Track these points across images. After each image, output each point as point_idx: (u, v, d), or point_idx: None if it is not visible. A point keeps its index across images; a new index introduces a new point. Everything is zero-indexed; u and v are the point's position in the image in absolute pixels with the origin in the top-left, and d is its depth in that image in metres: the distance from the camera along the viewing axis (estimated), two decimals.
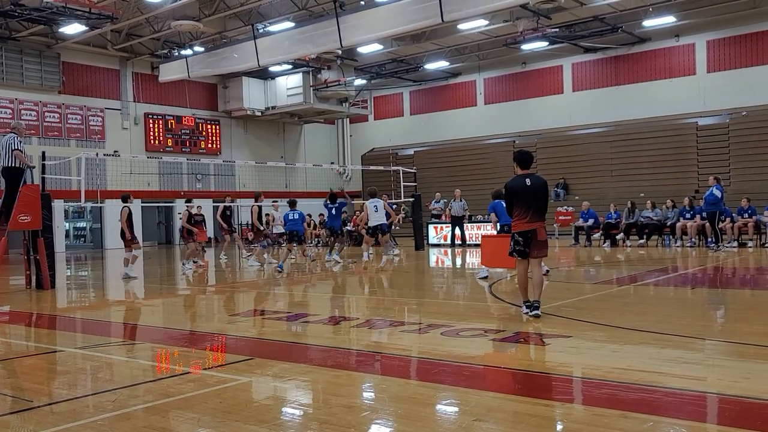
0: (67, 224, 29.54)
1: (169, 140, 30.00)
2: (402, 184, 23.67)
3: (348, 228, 21.89)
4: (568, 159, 28.25)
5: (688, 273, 12.75)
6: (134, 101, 29.16)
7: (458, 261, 17.15)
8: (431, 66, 31.20)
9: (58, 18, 22.21)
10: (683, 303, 9.11)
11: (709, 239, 17.55)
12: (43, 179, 13.02)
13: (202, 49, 26.48)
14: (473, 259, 16.66)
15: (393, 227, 21.47)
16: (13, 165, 11.68)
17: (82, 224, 31.19)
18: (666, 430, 3.71)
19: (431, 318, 7.72)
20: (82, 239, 30.81)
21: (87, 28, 23.68)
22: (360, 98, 33.75)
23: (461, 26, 25.29)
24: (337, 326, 7.38)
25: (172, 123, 30.16)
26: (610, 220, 20.36)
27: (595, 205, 21.66)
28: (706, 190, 17.55)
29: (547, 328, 6.60)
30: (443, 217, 22.54)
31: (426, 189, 26.13)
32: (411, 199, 22.34)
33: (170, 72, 27.30)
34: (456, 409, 4.29)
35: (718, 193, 16.71)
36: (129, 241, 14.06)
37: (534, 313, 7.10)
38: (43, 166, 13.36)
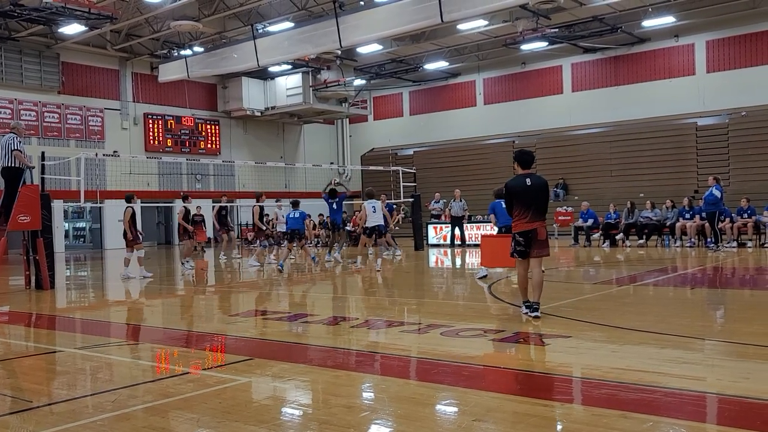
0: (66, 224, 29.57)
1: (168, 140, 29.99)
2: (401, 184, 23.67)
3: (348, 228, 21.89)
4: (567, 159, 28.26)
5: (687, 273, 12.75)
6: (134, 101, 29.15)
7: (458, 261, 17.15)
8: (431, 66, 31.21)
9: (58, 18, 22.21)
10: (683, 303, 9.11)
11: (709, 239, 17.56)
12: (43, 179, 13.02)
13: (201, 49, 26.49)
14: (473, 259, 16.66)
15: (393, 227, 21.49)
16: (12, 165, 11.67)
17: (81, 224, 31.21)
18: (665, 430, 3.71)
19: (431, 318, 7.72)
20: (82, 239, 30.82)
21: (86, 28, 23.67)
22: (359, 98, 33.75)
23: (461, 26, 25.30)
24: (336, 326, 7.38)
25: (171, 123, 30.15)
26: (609, 221, 20.36)
27: (595, 205, 21.67)
28: (705, 191, 17.55)
29: (547, 329, 6.60)
30: (443, 218, 22.55)
31: (425, 189, 26.13)
32: (410, 200, 22.33)
33: (170, 72, 27.31)
34: (455, 409, 4.29)
35: (717, 193, 16.71)
36: (131, 241, 14.07)
37: (534, 314, 7.09)
38: (43, 166, 13.37)
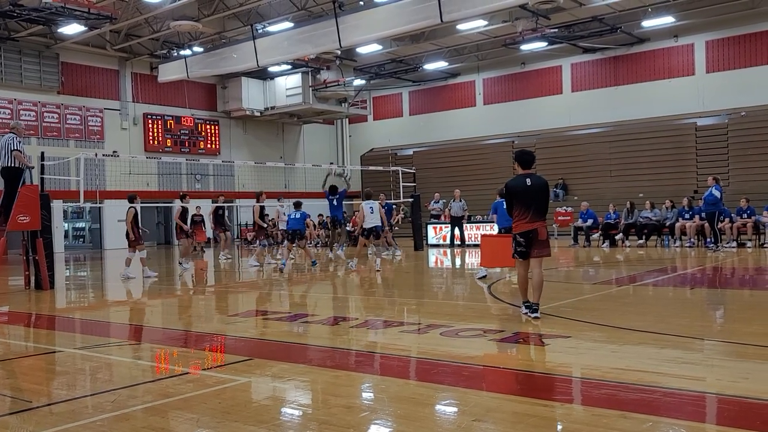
0: (66, 225, 29.55)
1: (168, 140, 29.98)
2: (401, 184, 23.66)
3: (348, 228, 21.89)
4: (567, 159, 28.26)
5: (687, 273, 12.75)
6: (133, 101, 29.14)
7: (457, 261, 17.15)
8: (430, 66, 31.21)
9: (57, 18, 22.20)
10: (682, 303, 9.12)
11: (708, 239, 17.56)
12: (42, 179, 13.00)
13: (201, 49, 26.48)
14: (472, 259, 16.66)
15: (394, 227, 21.50)
16: (12, 165, 11.67)
17: (81, 225, 31.20)
18: (665, 431, 3.71)
19: (430, 318, 7.73)
20: (81, 240, 30.81)
21: (86, 28, 23.66)
22: (359, 98, 33.74)
23: (460, 26, 25.30)
24: (336, 327, 7.38)
25: (171, 123, 30.14)
26: (609, 221, 20.36)
27: (594, 205, 21.67)
28: (705, 191, 17.55)
29: (547, 329, 6.60)
30: (442, 218, 22.55)
31: (425, 189, 26.13)
32: (410, 200, 22.33)
33: (169, 72, 27.30)
34: (455, 409, 4.30)
35: (717, 193, 16.71)
36: (133, 242, 14.08)
37: (534, 315, 7.09)
38: (42, 166, 13.35)
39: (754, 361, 5.32)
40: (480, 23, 24.70)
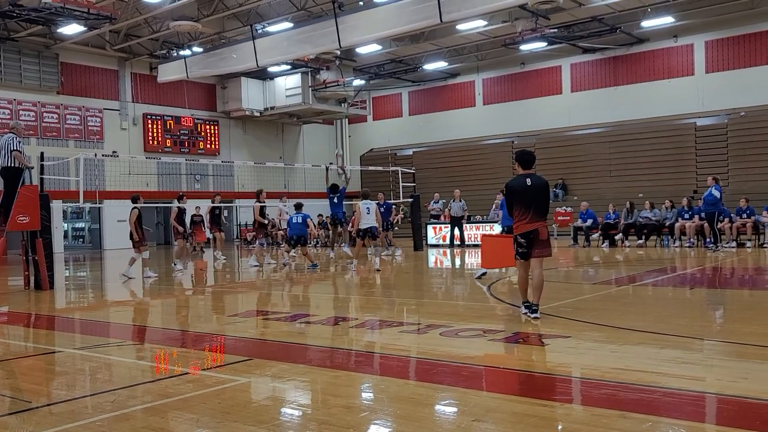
0: (65, 225, 29.53)
1: (167, 141, 29.98)
2: (401, 184, 23.66)
3: (348, 228, 21.88)
4: (566, 159, 28.27)
5: (686, 273, 12.76)
6: (133, 102, 29.14)
7: (457, 261, 17.15)
8: (430, 66, 31.21)
9: (57, 18, 22.19)
10: (682, 303, 9.12)
11: (708, 239, 17.56)
12: (42, 180, 12.99)
13: (200, 49, 26.48)
14: (472, 259, 16.67)
15: (393, 227, 21.47)
16: (11, 165, 11.67)
17: (80, 225, 31.19)
18: (665, 430, 3.71)
19: (430, 318, 7.73)
20: (81, 240, 30.80)
21: (85, 28, 23.66)
22: (359, 99, 33.73)
23: (460, 27, 25.31)
24: (336, 327, 7.38)
25: (170, 123, 30.14)
26: (608, 221, 20.37)
27: (594, 205, 21.68)
28: (704, 191, 17.56)
29: (546, 329, 6.60)
30: (442, 218, 22.55)
31: (425, 189, 26.14)
32: (410, 200, 22.33)
33: (169, 72, 27.29)
34: (455, 409, 4.30)
35: (716, 193, 16.72)
36: (138, 242, 14.09)
37: (534, 315, 7.08)
38: (42, 166, 13.34)
39: (753, 361, 5.32)
40: (480, 23, 24.71)
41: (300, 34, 22.38)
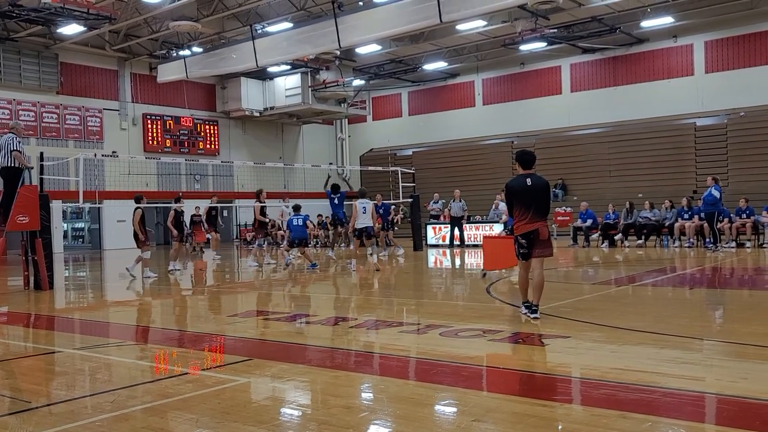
0: (65, 225, 29.52)
1: (167, 141, 29.97)
2: (400, 184, 23.65)
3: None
4: (566, 159, 28.28)
5: (686, 273, 12.76)
6: (132, 102, 29.13)
7: (457, 262, 17.15)
8: (430, 66, 31.22)
9: (56, 18, 22.18)
10: (681, 303, 9.12)
11: (707, 240, 17.56)
12: (42, 180, 12.99)
13: (200, 49, 26.47)
14: (472, 259, 16.67)
15: (393, 227, 21.47)
16: (11, 165, 11.67)
17: (80, 225, 31.18)
18: (664, 431, 3.71)
19: (430, 318, 7.73)
20: (80, 240, 30.79)
21: (85, 28, 23.66)
22: (358, 99, 33.73)
23: (460, 27, 25.31)
24: (335, 327, 7.38)
25: (170, 123, 30.13)
26: (608, 221, 20.37)
27: (594, 205, 21.68)
28: (704, 191, 17.56)
29: (546, 329, 6.60)
30: (442, 218, 22.55)
31: (424, 189, 26.14)
32: (409, 200, 22.33)
33: (168, 72, 27.28)
34: (455, 409, 4.29)
35: (716, 193, 16.72)
36: (142, 242, 14.10)
37: (534, 315, 7.08)
38: (42, 166, 13.34)
39: (753, 361, 5.32)
40: (479, 23, 24.72)
41: (300, 34, 22.39)
